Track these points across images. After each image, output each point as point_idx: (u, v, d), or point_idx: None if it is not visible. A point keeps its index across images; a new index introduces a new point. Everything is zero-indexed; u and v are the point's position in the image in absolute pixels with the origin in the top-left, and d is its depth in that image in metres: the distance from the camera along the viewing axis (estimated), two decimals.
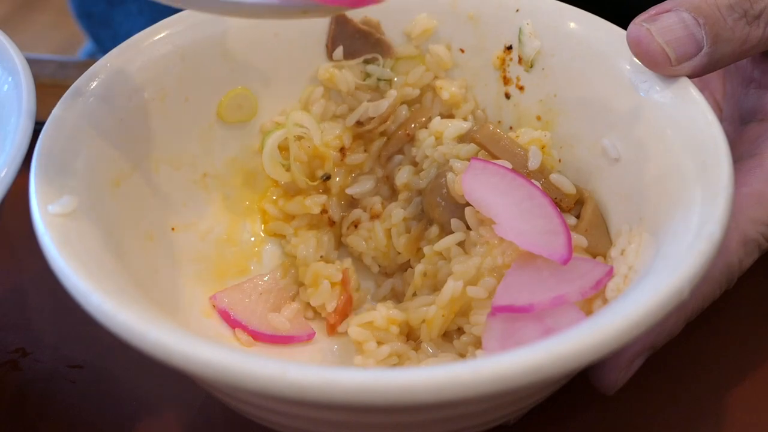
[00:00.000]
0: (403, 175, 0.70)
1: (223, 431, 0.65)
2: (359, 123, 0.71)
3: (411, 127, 0.72)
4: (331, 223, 0.71)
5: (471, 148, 0.67)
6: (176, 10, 0.64)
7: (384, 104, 0.71)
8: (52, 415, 0.66)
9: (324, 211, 0.71)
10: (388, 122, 0.71)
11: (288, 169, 0.70)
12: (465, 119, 0.72)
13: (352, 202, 0.72)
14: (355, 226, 0.71)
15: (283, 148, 0.71)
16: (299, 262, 0.69)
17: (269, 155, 0.69)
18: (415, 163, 0.70)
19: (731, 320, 0.69)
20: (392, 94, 0.71)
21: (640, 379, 0.61)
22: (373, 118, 0.71)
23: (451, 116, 0.72)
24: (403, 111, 0.72)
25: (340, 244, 0.72)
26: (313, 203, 0.71)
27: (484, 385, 0.46)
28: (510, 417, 0.59)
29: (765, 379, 0.66)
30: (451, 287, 0.61)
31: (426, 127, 0.71)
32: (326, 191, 0.71)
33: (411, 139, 0.72)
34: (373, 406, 0.46)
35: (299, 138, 0.70)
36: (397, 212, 0.69)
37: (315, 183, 0.71)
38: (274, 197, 0.72)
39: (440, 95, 0.72)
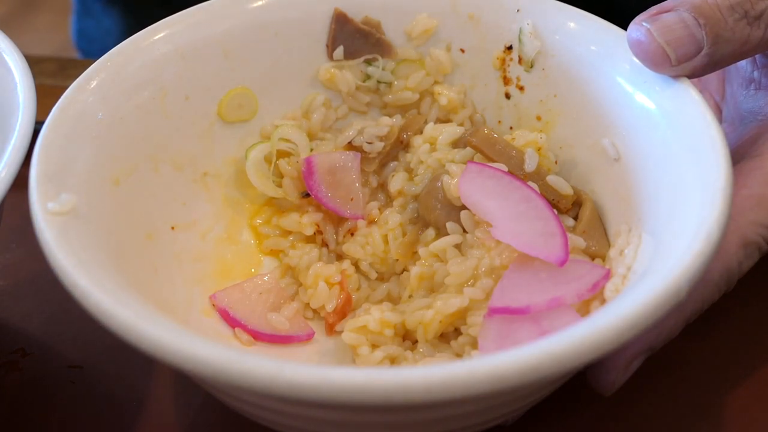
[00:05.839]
0: (396, 182, 0.70)
1: (222, 431, 0.65)
2: (350, 144, 0.71)
3: (405, 135, 0.71)
4: (325, 245, 0.71)
5: (466, 152, 0.67)
6: None
7: (379, 145, 0.70)
8: (52, 415, 0.66)
9: (319, 231, 0.71)
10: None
11: (280, 185, 0.70)
12: (462, 125, 0.72)
13: None
14: (351, 234, 0.70)
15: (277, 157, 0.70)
16: (299, 268, 0.69)
17: (253, 169, 0.69)
18: (409, 170, 0.70)
19: (730, 322, 0.69)
20: (387, 122, 0.71)
21: (639, 380, 0.61)
22: (371, 155, 0.71)
23: (448, 121, 0.72)
24: (398, 119, 0.72)
25: (338, 257, 0.71)
26: (309, 222, 0.70)
27: (479, 384, 0.46)
28: (507, 417, 0.59)
29: (764, 381, 0.66)
30: (458, 302, 0.61)
31: (420, 133, 0.71)
32: (318, 207, 0.71)
33: (405, 146, 0.72)
34: (368, 405, 0.46)
35: (288, 154, 0.70)
36: (393, 217, 0.68)
37: (305, 196, 0.70)
38: (266, 217, 0.72)
39: (438, 100, 0.72)
